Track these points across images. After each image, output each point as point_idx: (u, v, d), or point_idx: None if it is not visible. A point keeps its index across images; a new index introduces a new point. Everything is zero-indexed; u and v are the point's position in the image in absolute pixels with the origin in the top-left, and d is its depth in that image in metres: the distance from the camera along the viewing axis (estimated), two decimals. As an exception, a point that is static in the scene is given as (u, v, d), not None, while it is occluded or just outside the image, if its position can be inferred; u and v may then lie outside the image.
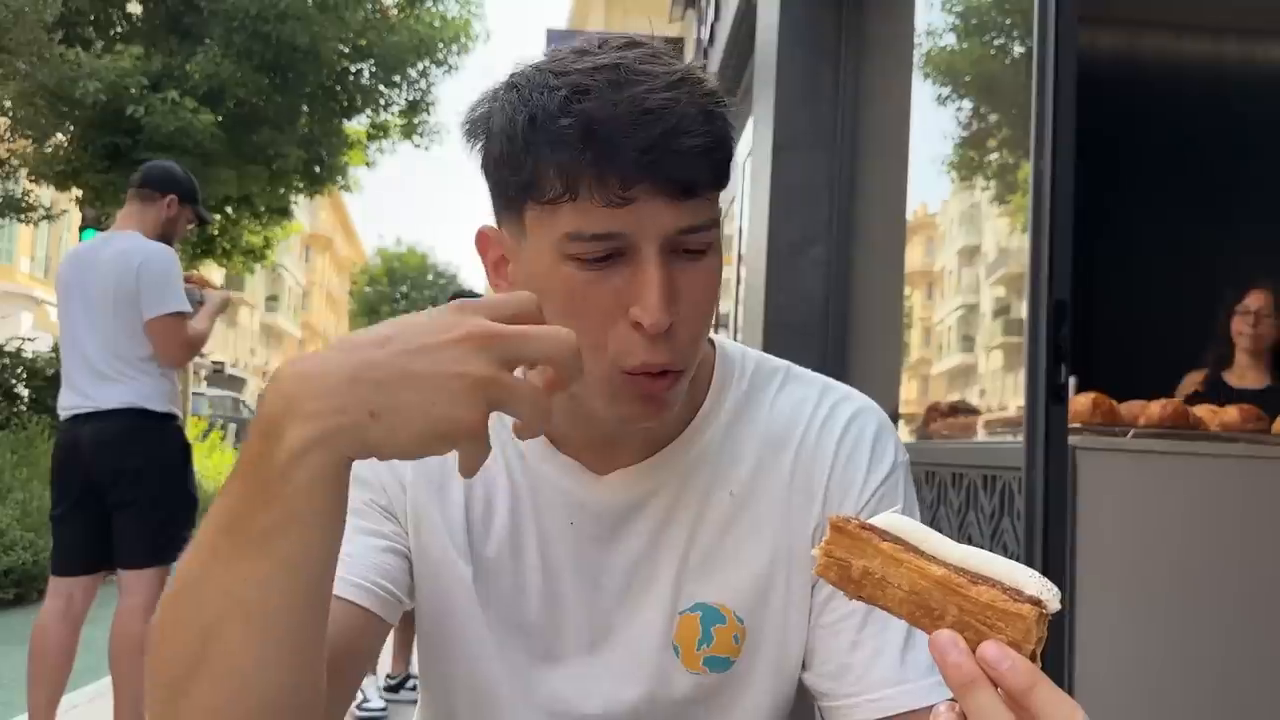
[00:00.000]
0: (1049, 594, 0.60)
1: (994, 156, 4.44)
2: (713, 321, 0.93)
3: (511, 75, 0.89)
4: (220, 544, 0.68)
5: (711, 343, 1.03)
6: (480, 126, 0.90)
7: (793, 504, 0.99)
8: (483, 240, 0.95)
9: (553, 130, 0.82)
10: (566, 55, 0.86)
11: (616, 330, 0.86)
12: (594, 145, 0.81)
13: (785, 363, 1.07)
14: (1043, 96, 2.41)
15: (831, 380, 1.06)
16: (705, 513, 0.98)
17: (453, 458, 1.00)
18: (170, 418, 3.58)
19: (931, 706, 0.91)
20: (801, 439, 1.00)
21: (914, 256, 5.00)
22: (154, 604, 3.46)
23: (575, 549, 0.98)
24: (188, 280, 3.84)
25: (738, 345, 1.06)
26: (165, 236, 3.71)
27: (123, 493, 3.47)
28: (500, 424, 1.00)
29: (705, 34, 8.66)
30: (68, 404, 3.57)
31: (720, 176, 0.87)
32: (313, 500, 0.67)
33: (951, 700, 0.60)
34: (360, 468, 0.95)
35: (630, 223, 0.83)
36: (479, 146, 0.91)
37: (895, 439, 1.03)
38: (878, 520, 0.64)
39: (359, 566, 0.93)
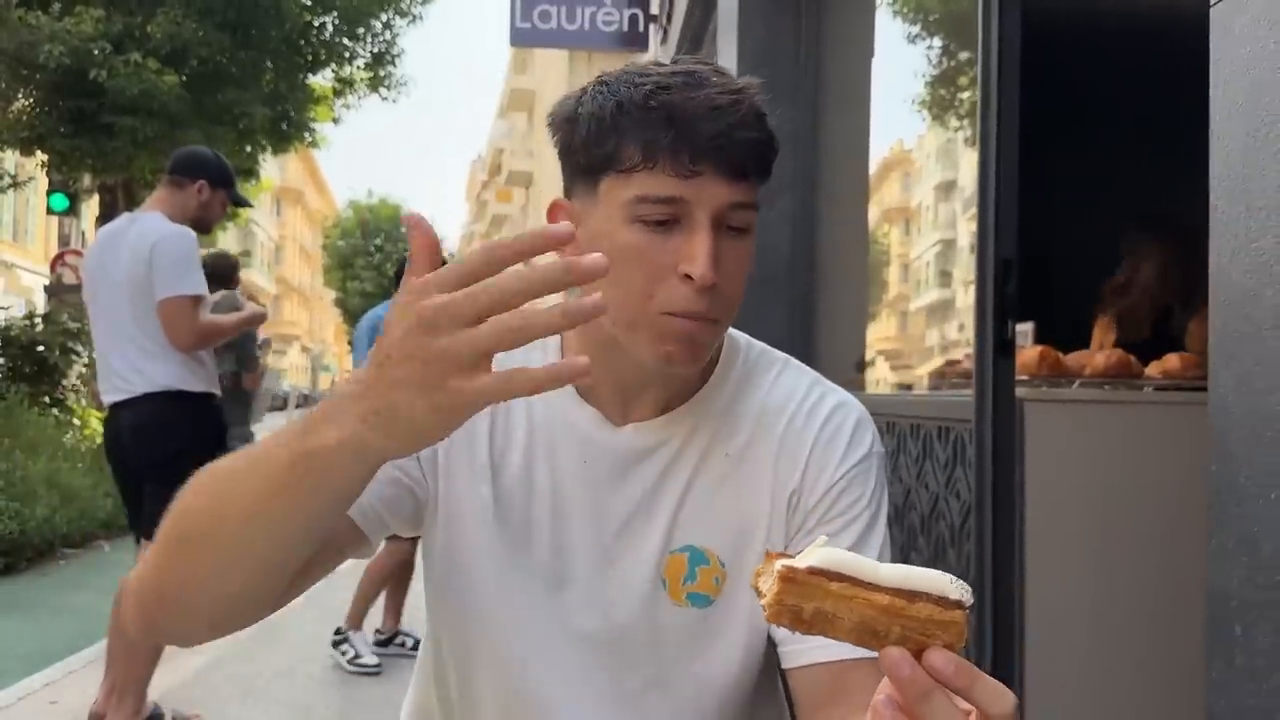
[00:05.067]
0: (966, 594, 0.69)
1: (965, 95, 4.48)
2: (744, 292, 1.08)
3: (601, 76, 1.06)
4: (263, 474, 0.83)
5: None
6: (568, 115, 1.07)
7: (778, 472, 1.13)
8: (554, 210, 1.11)
9: (638, 114, 1.00)
10: (647, 66, 1.05)
11: (667, 283, 1.01)
12: (674, 127, 0.99)
13: (785, 356, 1.23)
14: (988, 59, 2.49)
15: (823, 378, 1.21)
16: (703, 467, 1.13)
17: None
18: (207, 397, 3.63)
19: (873, 658, 1.04)
20: (791, 417, 1.14)
21: (891, 193, 5.04)
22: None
23: (585, 486, 1.12)
24: (249, 298, 3.90)
25: (745, 335, 1.22)
26: (200, 222, 3.72)
27: (155, 471, 3.53)
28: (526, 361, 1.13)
29: (670, -17, 8.63)
30: (106, 393, 3.62)
31: (766, 167, 1.04)
32: (349, 483, 0.82)
33: (888, 697, 0.70)
34: None
35: (692, 193, 0.99)
36: (561, 134, 1.07)
37: (874, 433, 1.18)
38: (819, 560, 0.69)
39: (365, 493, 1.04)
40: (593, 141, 1.02)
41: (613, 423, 1.12)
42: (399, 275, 5.02)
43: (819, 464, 1.12)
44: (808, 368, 1.22)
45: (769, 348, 1.22)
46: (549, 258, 0.74)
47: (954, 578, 0.69)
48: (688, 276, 0.99)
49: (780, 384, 1.17)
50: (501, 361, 1.12)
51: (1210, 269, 1.13)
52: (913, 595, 0.68)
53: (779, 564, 0.70)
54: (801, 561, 0.69)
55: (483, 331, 0.71)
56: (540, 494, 1.12)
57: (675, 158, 0.98)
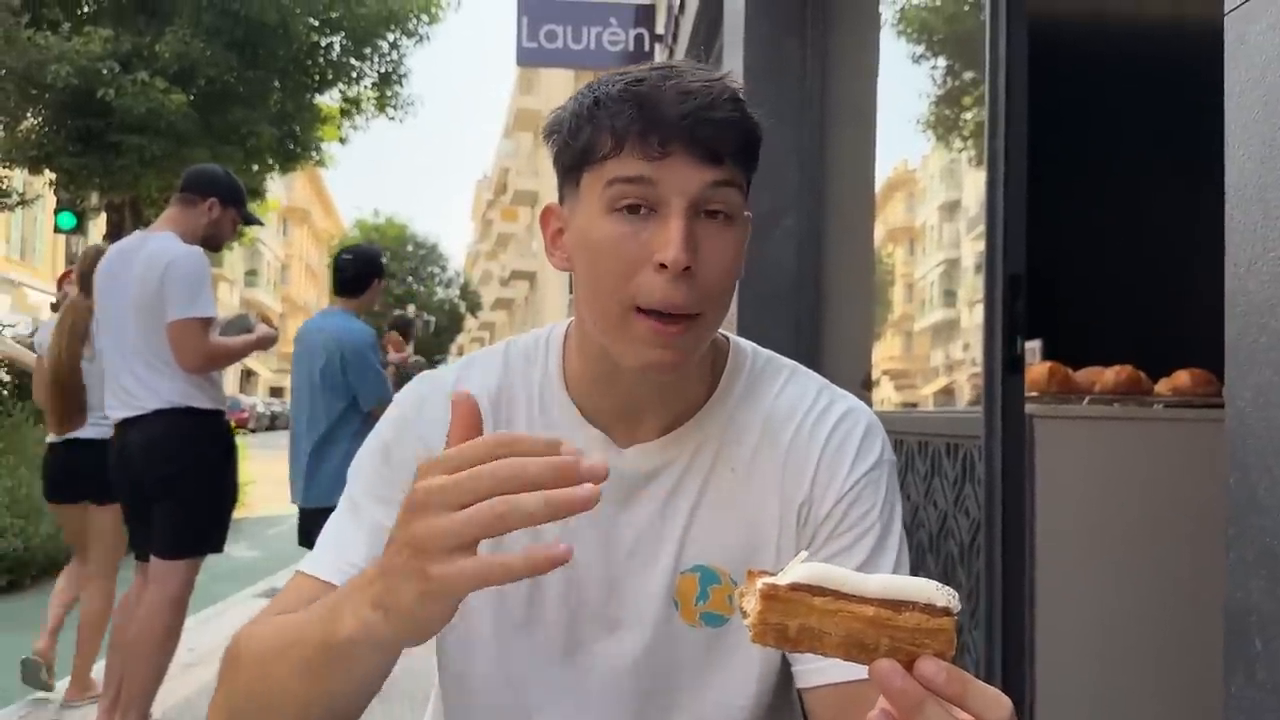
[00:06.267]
0: (954, 600, 0.67)
1: (970, 115, 4.49)
2: (737, 281, 1.04)
3: (591, 81, 1.06)
4: (298, 655, 0.86)
5: (727, 338, 1.16)
6: (555, 121, 1.06)
7: (785, 484, 1.09)
8: (546, 215, 1.10)
9: (611, 105, 0.99)
10: (635, 67, 1.04)
11: (643, 274, 0.98)
12: (642, 112, 0.97)
13: (793, 363, 1.19)
14: (995, 78, 2.49)
15: (831, 384, 1.18)
16: (710, 485, 1.10)
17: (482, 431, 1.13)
18: (216, 414, 3.62)
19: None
20: (798, 428, 1.11)
21: (895, 212, 5.04)
22: (182, 595, 3.60)
23: (592, 511, 1.08)
24: (262, 319, 3.92)
25: (751, 343, 1.19)
26: (210, 239, 3.73)
27: (165, 488, 3.54)
28: (527, 396, 1.14)
29: (676, 0, 8.66)
30: (114, 410, 3.61)
31: (745, 150, 1.01)
32: (373, 669, 0.86)
33: (883, 710, 0.69)
34: (403, 449, 1.10)
35: (664, 176, 0.97)
36: (551, 141, 1.06)
37: (884, 440, 1.14)
38: (801, 575, 0.68)
39: None
40: (572, 138, 1.02)
41: (617, 444, 1.10)
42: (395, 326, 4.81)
43: (827, 474, 1.09)
44: (815, 374, 1.18)
45: (775, 355, 1.19)
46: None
47: (940, 584, 0.67)
48: (663, 266, 0.96)
49: (786, 393, 1.14)
50: (495, 396, 1.12)
51: (1226, 279, 1.12)
52: (899, 605, 0.67)
53: (760, 582, 0.69)
54: (783, 578, 0.68)
55: (463, 517, 0.71)
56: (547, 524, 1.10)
57: (644, 140, 0.97)
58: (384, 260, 4.97)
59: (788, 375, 1.16)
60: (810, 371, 1.18)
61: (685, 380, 1.09)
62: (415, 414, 1.12)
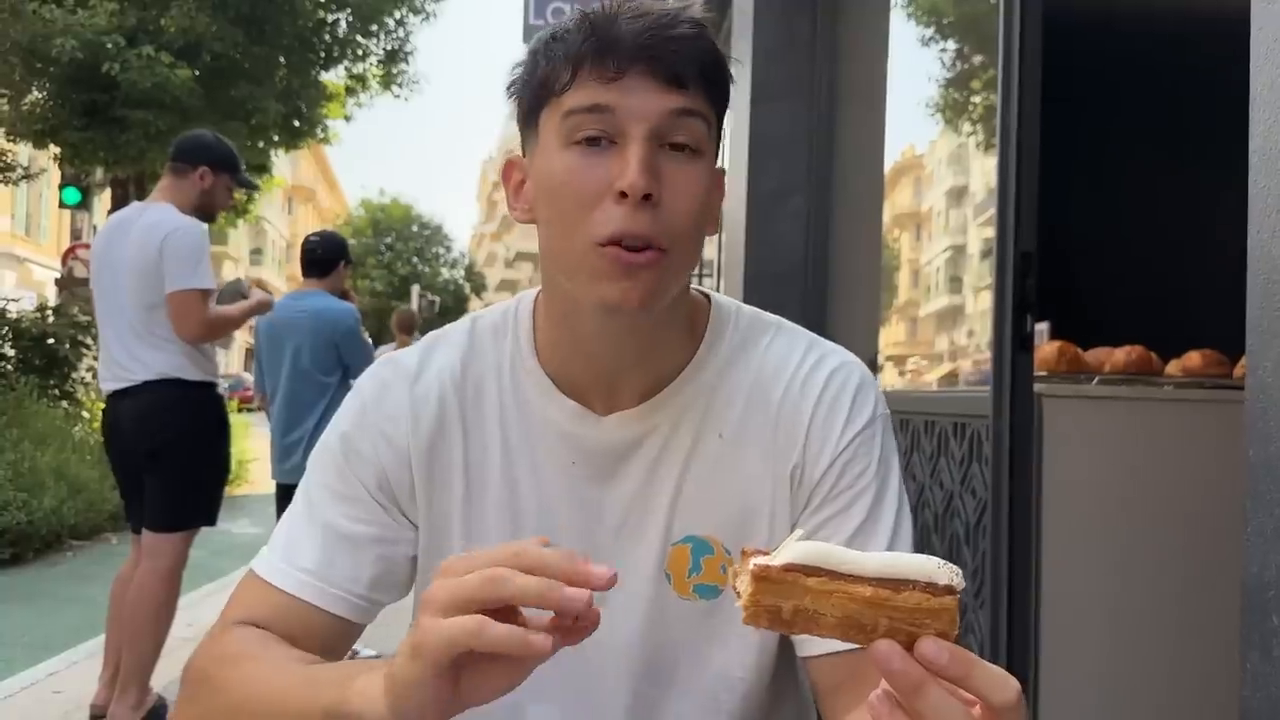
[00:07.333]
0: (957, 578, 0.65)
1: (978, 99, 4.46)
2: (705, 224, 0.99)
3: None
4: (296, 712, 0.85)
5: (708, 297, 1.11)
6: (516, 69, 1.01)
7: (776, 447, 1.05)
8: (508, 168, 1.05)
9: (567, 37, 0.95)
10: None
11: (603, 205, 0.93)
12: (596, 35, 0.93)
13: (778, 319, 1.14)
14: (1009, 53, 2.46)
15: (821, 337, 1.13)
16: (697, 452, 1.05)
17: (447, 417, 1.07)
18: (208, 386, 3.61)
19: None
20: (787, 387, 1.06)
21: (902, 198, 5.01)
22: (175, 568, 3.57)
23: (574, 488, 1.05)
24: (255, 284, 3.90)
25: (734, 301, 1.14)
26: (205, 208, 3.67)
27: (156, 460, 3.53)
28: (497, 370, 1.09)
29: (684, -20, 8.60)
30: (105, 381, 3.60)
31: (710, 78, 0.96)
32: None
33: (884, 691, 0.66)
34: (361, 441, 1.06)
35: (622, 101, 0.92)
36: (512, 89, 1.01)
37: (876, 394, 1.09)
38: (796, 555, 0.66)
39: (342, 578, 1.03)
40: (529, 75, 0.98)
41: (595, 414, 1.05)
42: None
43: (820, 435, 1.04)
44: (803, 329, 1.13)
45: (760, 312, 1.13)
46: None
47: (942, 561, 0.65)
48: (623, 195, 0.91)
49: (773, 351, 1.09)
50: (460, 375, 1.08)
51: (1249, 246, 1.09)
52: (899, 584, 0.65)
53: (753, 562, 0.66)
54: (776, 559, 0.66)
55: (464, 578, 0.73)
56: (525, 502, 1.06)
57: (599, 63, 0.92)
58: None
59: (774, 332, 1.11)
60: (797, 327, 1.13)
61: (663, 341, 1.04)
62: (375, 405, 1.07)
